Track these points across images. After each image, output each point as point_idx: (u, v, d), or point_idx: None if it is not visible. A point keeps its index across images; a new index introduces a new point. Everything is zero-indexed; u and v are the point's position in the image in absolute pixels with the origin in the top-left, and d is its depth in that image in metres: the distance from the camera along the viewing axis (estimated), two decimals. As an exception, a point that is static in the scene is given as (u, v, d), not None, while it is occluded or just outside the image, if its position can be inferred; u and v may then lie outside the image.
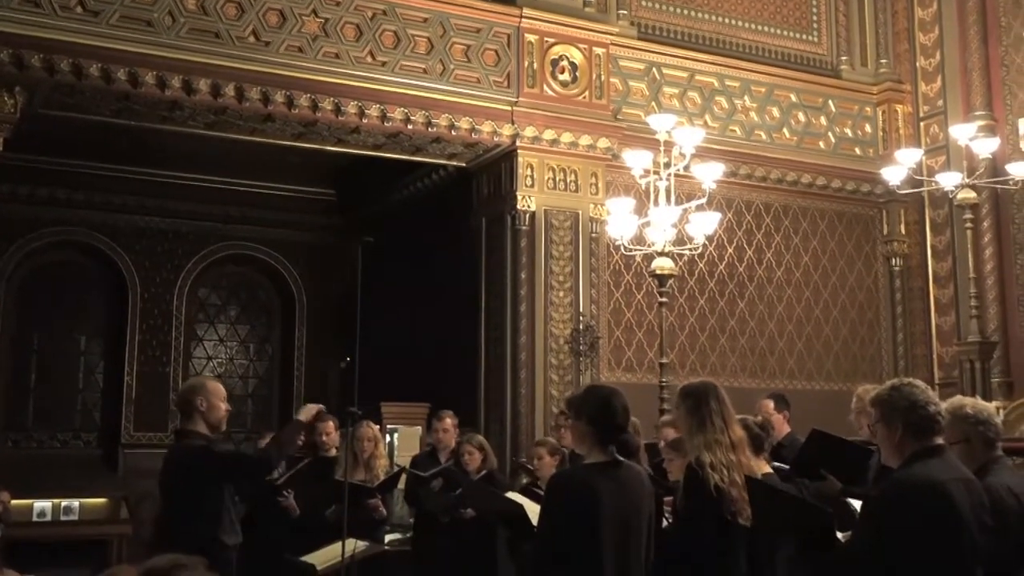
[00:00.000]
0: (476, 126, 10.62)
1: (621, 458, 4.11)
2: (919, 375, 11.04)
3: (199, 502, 5.11)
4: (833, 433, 5.72)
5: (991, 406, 4.44)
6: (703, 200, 8.97)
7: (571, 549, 3.95)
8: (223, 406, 5.34)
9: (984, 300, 11.48)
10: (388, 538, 8.23)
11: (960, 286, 11.87)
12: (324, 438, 7.64)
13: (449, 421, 7.65)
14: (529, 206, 10.82)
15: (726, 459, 4.31)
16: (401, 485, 7.85)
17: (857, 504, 4.76)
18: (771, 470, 4.87)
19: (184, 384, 5.91)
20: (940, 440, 3.50)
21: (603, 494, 3.95)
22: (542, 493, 5.68)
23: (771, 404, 7.29)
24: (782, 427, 7.05)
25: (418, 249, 12.97)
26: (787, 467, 5.30)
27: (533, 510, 4.82)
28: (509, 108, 10.75)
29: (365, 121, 10.20)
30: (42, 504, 12.36)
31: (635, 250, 9.54)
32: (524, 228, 10.82)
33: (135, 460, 13.36)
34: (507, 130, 10.74)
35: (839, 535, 3.49)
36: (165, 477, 5.30)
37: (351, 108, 10.10)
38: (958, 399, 3.96)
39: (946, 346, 12.17)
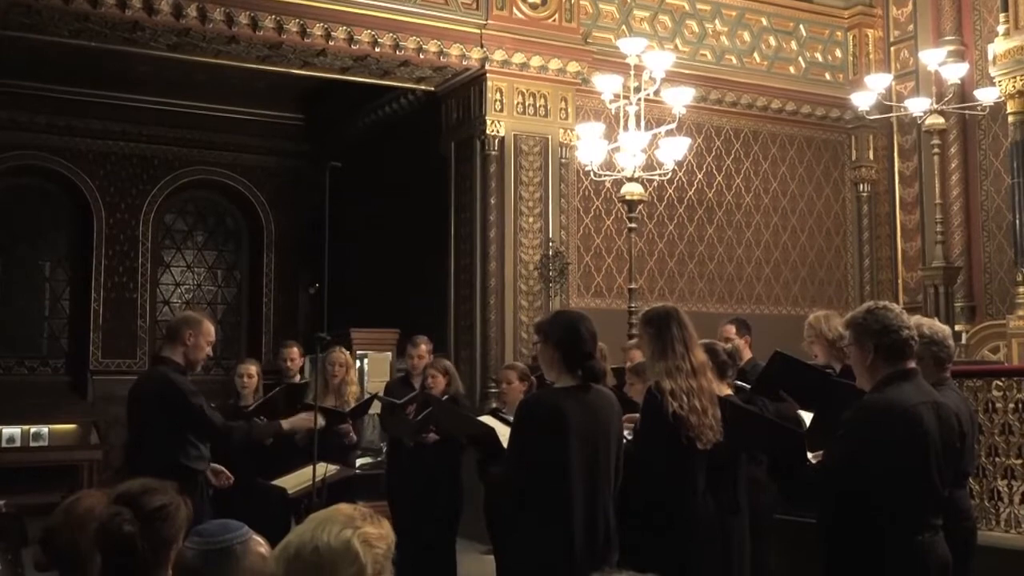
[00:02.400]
0: (444, 49, 10.46)
1: (590, 382, 4.11)
2: (884, 300, 11.13)
3: (164, 429, 5.10)
4: (795, 356, 5.78)
5: (947, 329, 4.49)
6: (673, 125, 8.90)
7: (541, 471, 3.97)
8: (207, 349, 5.35)
9: (949, 226, 11.55)
10: (359, 462, 8.26)
11: (926, 212, 11.94)
12: (288, 363, 7.64)
13: (424, 347, 7.62)
14: (498, 131, 10.72)
15: (686, 385, 4.33)
16: (375, 410, 7.84)
17: (807, 415, 4.81)
18: (732, 393, 4.90)
19: (181, 313, 5.92)
20: (913, 364, 3.51)
21: (572, 417, 3.96)
22: (510, 418, 5.69)
23: (732, 328, 7.32)
24: (744, 351, 7.09)
25: (387, 174, 12.86)
26: (747, 386, 5.33)
27: (503, 433, 4.83)
28: (478, 31, 10.58)
29: (331, 44, 10.02)
30: (11, 430, 12.33)
31: (605, 176, 9.49)
32: (493, 153, 10.72)
33: (104, 386, 13.32)
34: (476, 53, 10.58)
35: (809, 456, 3.51)
36: (134, 402, 5.27)
37: (317, 30, 9.90)
38: (916, 318, 3.99)
39: (911, 271, 12.27)
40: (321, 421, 6.02)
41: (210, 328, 5.38)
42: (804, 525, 4.14)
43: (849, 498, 3.36)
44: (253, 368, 7.33)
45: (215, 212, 15.35)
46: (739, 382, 5.33)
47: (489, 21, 10.62)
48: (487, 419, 5.78)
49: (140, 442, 5.27)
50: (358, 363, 10.79)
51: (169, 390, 5.16)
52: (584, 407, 4.02)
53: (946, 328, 4.47)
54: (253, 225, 15.24)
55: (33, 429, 12.40)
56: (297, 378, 7.66)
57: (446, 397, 6.96)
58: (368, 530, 1.96)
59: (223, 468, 5.91)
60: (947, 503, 3.50)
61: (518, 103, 10.85)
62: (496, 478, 5.09)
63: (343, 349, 7.67)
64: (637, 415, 4.67)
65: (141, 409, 5.25)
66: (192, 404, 5.19)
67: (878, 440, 3.32)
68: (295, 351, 7.74)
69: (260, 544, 2.31)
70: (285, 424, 5.96)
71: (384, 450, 8.79)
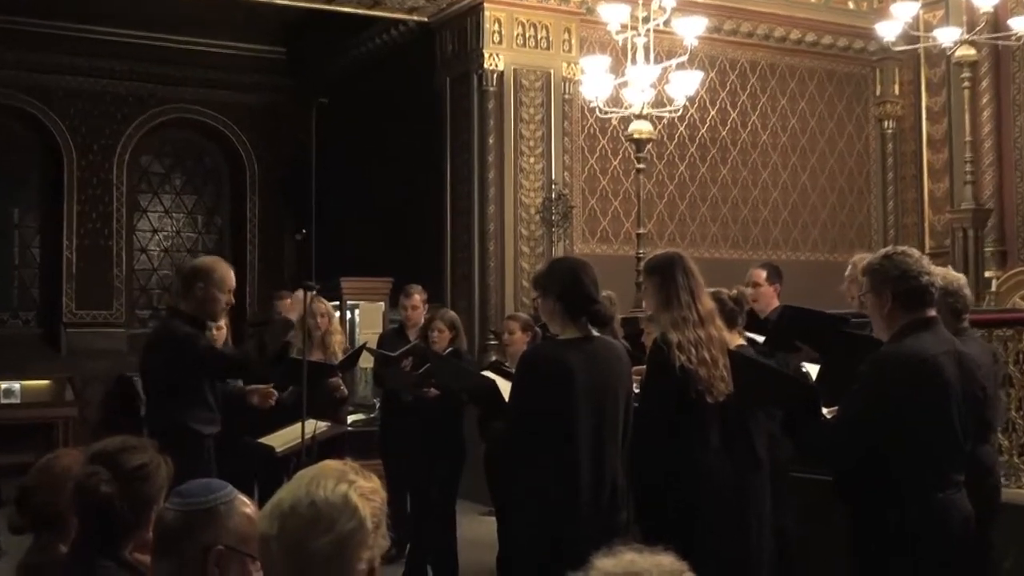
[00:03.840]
0: (439, -24, 10.38)
1: (595, 332, 4.14)
2: (909, 244, 11.14)
3: (173, 389, 5.11)
4: (803, 306, 5.84)
5: (962, 278, 4.53)
6: (684, 58, 8.85)
7: (544, 426, 4.01)
8: (223, 298, 5.28)
9: (980, 165, 11.51)
10: (351, 419, 8.32)
11: (955, 150, 11.87)
12: (282, 315, 7.62)
13: (418, 297, 7.63)
14: (497, 65, 10.66)
15: (694, 336, 4.35)
16: (367, 364, 7.88)
17: (812, 368, 4.85)
18: (744, 343, 4.92)
19: (193, 260, 5.83)
20: (932, 312, 3.53)
21: (576, 369, 4.00)
22: (512, 371, 5.72)
23: (763, 274, 7.23)
24: (771, 300, 7.03)
25: (377, 112, 12.79)
26: (759, 339, 5.37)
27: (505, 387, 4.86)
28: (475, -44, 10.49)
29: (317, -30, 9.94)
30: (-19, 386, 12.37)
31: (611, 113, 9.45)
32: (491, 89, 10.67)
33: (79, 340, 13.36)
34: (473, -19, 10.51)
35: (824, 411, 3.54)
36: (143, 358, 5.31)
37: (301, -44, 9.83)
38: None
39: (938, 214, 12.25)
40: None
41: (225, 274, 5.30)
42: (821, 483, 4.19)
43: (866, 454, 3.40)
44: (222, 321, 7.30)
45: (194, 153, 15.30)
46: (752, 335, 5.34)
47: (486, -55, 10.52)
48: (488, 374, 5.82)
49: (148, 401, 5.31)
50: (348, 313, 10.84)
51: (171, 340, 5.15)
52: (590, 359, 4.05)
53: (961, 277, 4.51)
54: (234, 167, 15.19)
55: (4, 385, 12.44)
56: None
57: (449, 352, 6.99)
58: (362, 483, 1.99)
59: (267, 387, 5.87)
60: (970, 458, 3.54)
61: (518, 35, 10.78)
62: (497, 435, 5.14)
63: (322, 299, 7.69)
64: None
65: (147, 367, 5.29)
66: (198, 345, 5.15)
67: (896, 392, 3.35)
68: (287, 303, 7.72)
69: (246, 504, 2.34)
70: (290, 312, 5.84)
71: (377, 406, 8.84)
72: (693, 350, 4.31)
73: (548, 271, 4.31)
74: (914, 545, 3.37)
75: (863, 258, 5.53)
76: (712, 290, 4.76)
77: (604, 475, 4.04)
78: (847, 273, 5.71)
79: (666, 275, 4.48)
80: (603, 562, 1.67)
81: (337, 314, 9.68)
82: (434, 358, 6.57)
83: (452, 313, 7.49)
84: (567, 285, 4.11)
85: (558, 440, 3.98)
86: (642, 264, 4.75)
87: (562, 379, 3.98)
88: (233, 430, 6.59)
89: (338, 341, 7.41)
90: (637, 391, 4.72)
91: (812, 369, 5.06)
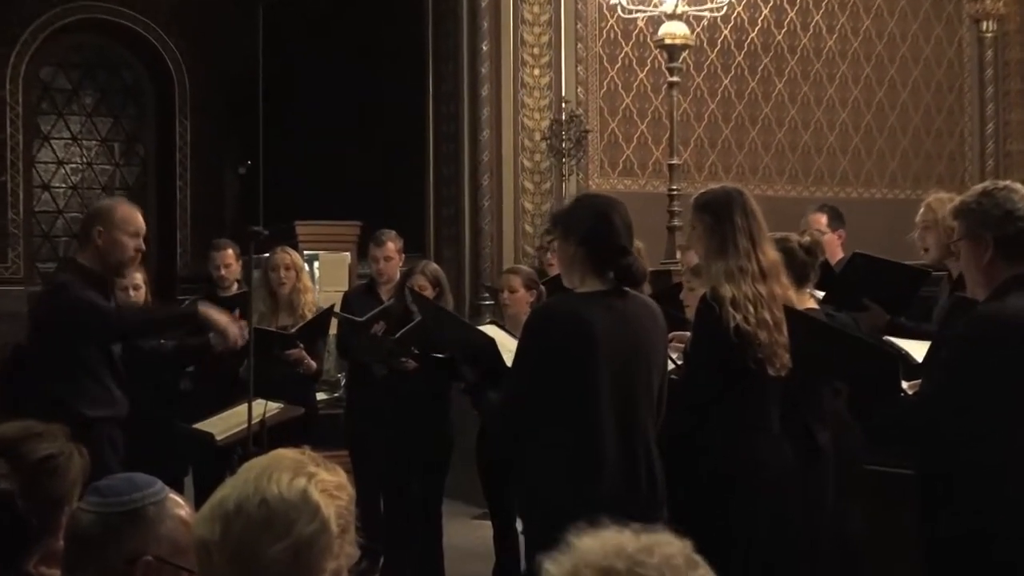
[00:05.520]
0: None
1: (625, 287, 4.15)
2: (1014, 178, 11.11)
3: (54, 360, 5.14)
4: (879, 256, 5.85)
5: None
6: (730, -59, 8.80)
7: (556, 399, 4.03)
8: (131, 244, 5.30)
9: (1103, 77, 11.49)
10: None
11: (1073, 58, 11.85)
12: (222, 271, 7.61)
13: (392, 246, 7.62)
14: (492, -49, 10.61)
15: (752, 292, 4.34)
16: (331, 330, 7.88)
17: (909, 347, 4.85)
18: (816, 306, 4.93)
19: (93, 205, 5.86)
20: (1043, 263, 3.53)
21: (600, 330, 4.01)
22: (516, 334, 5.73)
23: (823, 218, 7.27)
24: (835, 250, 7.07)
25: (341, 13, 12.73)
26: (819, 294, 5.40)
27: (508, 348, 4.88)
28: None
29: None
30: None
31: (637, 12, 9.41)
32: (486, -18, 10.64)
33: (-34, 300, 13.38)
34: None
35: (904, 385, 3.56)
36: (30, 329, 5.34)
37: None
38: None
39: (1050, 139, 12.24)
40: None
41: (129, 215, 5.33)
42: (894, 477, 4.22)
43: (953, 441, 3.41)
44: (139, 276, 7.25)
45: (108, 64, 15.24)
46: (817, 291, 5.36)
47: None
48: (487, 329, 5.84)
49: (26, 374, 5.34)
50: (306, 267, 10.82)
51: (56, 300, 5.19)
52: (617, 317, 4.07)
53: None
54: (160, 83, 15.13)
55: None
56: (234, 288, 7.66)
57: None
58: (325, 477, 1.99)
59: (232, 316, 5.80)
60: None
61: (519, -88, 10.72)
62: (497, 408, 5.11)
63: (288, 249, 7.68)
64: (687, 333, 4.71)
65: (31, 333, 5.31)
66: (79, 300, 5.17)
67: (995, 365, 3.35)
68: (230, 253, 7.67)
69: (179, 504, 2.35)
70: (202, 308, 5.83)
71: (343, 383, 8.85)
72: (751, 308, 4.30)
73: (572, 208, 4.34)
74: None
75: (943, 198, 5.56)
76: (779, 236, 4.75)
77: (636, 464, 4.06)
78: (919, 218, 5.72)
79: (721, 215, 4.47)
80: (584, 545, 1.59)
81: (307, 267, 9.72)
82: (421, 303, 6.55)
83: (435, 266, 7.49)
84: (594, 228, 4.12)
85: (575, 419, 4.00)
86: (691, 201, 4.74)
87: (582, 340, 3.99)
88: (160, 411, 6.63)
89: (310, 302, 7.42)
90: (678, 362, 4.73)
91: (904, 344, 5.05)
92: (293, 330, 7.07)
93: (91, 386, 5.24)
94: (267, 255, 7.56)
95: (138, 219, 5.37)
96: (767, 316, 4.30)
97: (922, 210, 5.76)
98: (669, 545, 1.58)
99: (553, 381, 4.03)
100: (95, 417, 5.18)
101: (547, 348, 4.06)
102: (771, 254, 4.49)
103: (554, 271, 7.96)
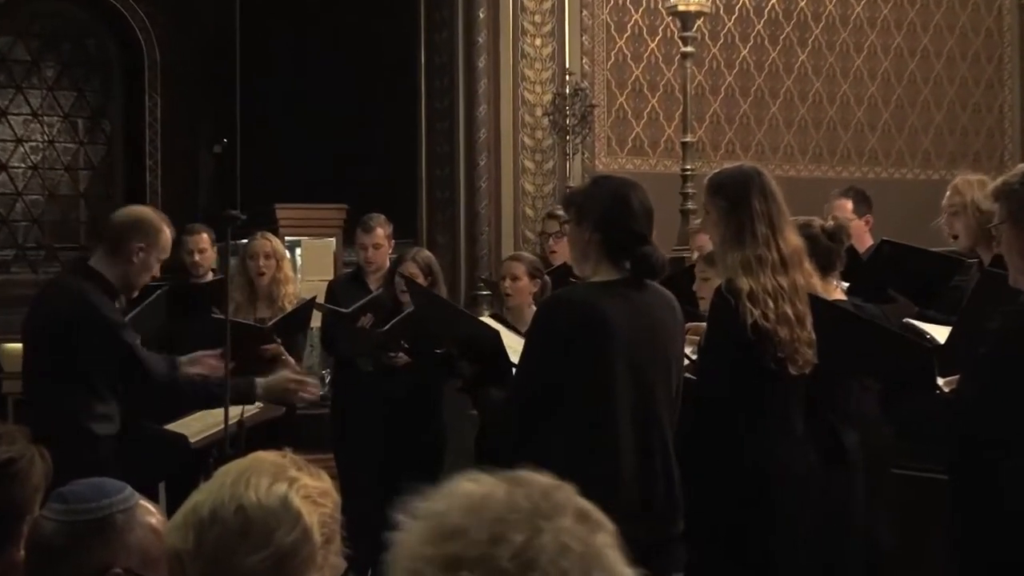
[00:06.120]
0: None
1: (643, 278, 4.16)
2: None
3: (67, 374, 5.17)
4: (908, 243, 5.85)
5: None
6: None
7: (567, 399, 4.03)
8: (156, 269, 5.39)
9: None
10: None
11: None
12: (196, 258, 7.63)
13: (380, 231, 7.63)
14: (489, -91, 10.61)
15: (772, 284, 4.33)
16: (315, 323, 7.89)
17: (933, 330, 4.86)
18: (843, 297, 4.93)
19: (128, 210, 5.79)
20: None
21: (617, 323, 4.01)
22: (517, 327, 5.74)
23: (848, 204, 7.25)
24: (863, 237, 7.06)
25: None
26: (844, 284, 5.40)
27: (513, 346, 4.88)
28: None
29: None
30: None
31: (647, -24, 9.41)
32: (482, -57, 10.63)
33: (-82, 292, 13.37)
34: None
35: (940, 382, 3.56)
36: (36, 330, 5.34)
37: None
38: None
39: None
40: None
41: (168, 242, 5.37)
42: (926, 482, 4.22)
43: (992, 444, 3.41)
44: (205, 237, 7.38)
45: (71, 34, 15.21)
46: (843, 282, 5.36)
47: None
48: (486, 319, 5.85)
49: (30, 385, 5.37)
50: (287, 254, 10.83)
51: (88, 319, 5.18)
52: (633, 309, 4.08)
53: None
54: (129, 54, 15.11)
55: None
56: (209, 277, 7.68)
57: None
58: (308, 482, 1.99)
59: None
60: None
61: None
62: (498, 408, 5.12)
63: (268, 234, 7.68)
64: (703, 324, 4.71)
65: (42, 341, 5.32)
66: (121, 341, 5.21)
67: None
68: (204, 238, 7.70)
69: (150, 512, 2.35)
70: (261, 384, 5.86)
71: (327, 380, 8.86)
72: (771, 302, 4.29)
73: (587, 190, 4.34)
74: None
75: (971, 180, 5.56)
76: (801, 220, 4.74)
77: (653, 468, 4.07)
78: (946, 202, 5.69)
79: (737, 198, 4.46)
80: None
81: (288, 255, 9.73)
82: (415, 291, 6.54)
83: (427, 253, 7.50)
84: (611, 212, 4.12)
85: (589, 419, 4.01)
86: (705, 182, 4.74)
87: (597, 334, 4.00)
88: (129, 411, 6.63)
89: (290, 293, 7.42)
90: (692, 357, 4.74)
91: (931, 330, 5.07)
92: (270, 323, 7.08)
93: (101, 401, 5.28)
94: (245, 241, 7.56)
95: (170, 246, 5.42)
96: (788, 310, 4.30)
97: (948, 193, 5.73)
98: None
99: (565, 378, 4.03)
100: (101, 435, 5.23)
101: (559, 342, 4.06)
102: (793, 240, 4.47)
103: (557, 259, 7.98)
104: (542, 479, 1.49)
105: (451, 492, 1.48)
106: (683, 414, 4.29)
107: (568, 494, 1.47)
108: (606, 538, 1.46)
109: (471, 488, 1.48)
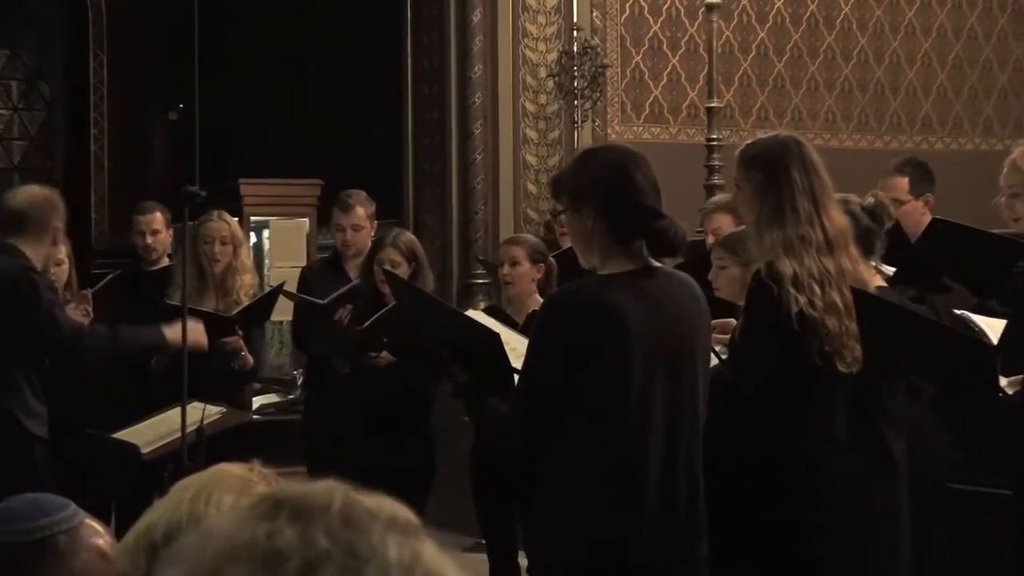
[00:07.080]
0: None
1: (656, 263, 4.15)
2: None
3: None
4: (965, 224, 5.84)
5: None
6: None
7: (579, 406, 4.03)
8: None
9: None
10: (259, 401, 8.35)
11: None
12: (148, 240, 7.67)
13: (361, 211, 7.64)
14: None
15: (818, 268, 4.34)
16: (283, 316, 7.90)
17: (985, 323, 4.87)
18: (884, 283, 4.93)
19: (37, 190, 5.96)
20: None
21: (633, 319, 4.00)
22: (517, 320, 5.74)
23: (904, 181, 7.18)
24: (920, 218, 7.01)
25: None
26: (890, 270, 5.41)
27: (514, 348, 4.88)
28: None
29: None
30: None
31: (667, -84, 9.41)
32: None
33: None
34: None
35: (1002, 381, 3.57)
36: None
37: None
38: None
39: None
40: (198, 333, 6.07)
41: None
42: (981, 496, 4.23)
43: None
44: (63, 249, 7.35)
45: (6, -15, 15.24)
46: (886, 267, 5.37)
47: None
48: (481, 316, 5.84)
49: None
50: (254, 237, 10.85)
51: (17, 289, 5.39)
52: (654, 305, 4.07)
53: None
54: (70, 8, 15.12)
55: None
56: (164, 262, 7.71)
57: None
58: None
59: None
60: None
61: None
62: (498, 419, 5.13)
63: (225, 215, 7.69)
64: (732, 320, 4.71)
65: None
66: (46, 309, 5.42)
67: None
68: (158, 218, 7.75)
69: (97, 533, 2.35)
70: (167, 332, 5.98)
71: (299, 382, 8.88)
72: (817, 289, 4.30)
73: (577, 169, 4.31)
74: None
75: None
76: (838, 197, 4.74)
77: (677, 479, 4.07)
78: (1004, 180, 5.65)
79: (775, 171, 4.47)
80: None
81: (252, 237, 9.73)
82: (398, 286, 6.55)
83: (409, 235, 7.51)
84: (613, 190, 4.09)
85: (599, 425, 4.00)
86: (737, 153, 4.74)
87: (613, 340, 3.98)
88: (72, 416, 6.65)
89: (246, 284, 7.44)
90: (722, 356, 4.74)
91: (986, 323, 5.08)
92: (235, 312, 7.10)
93: (34, 397, 5.35)
94: (197, 222, 7.57)
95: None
96: (836, 298, 4.31)
97: (1006, 170, 5.69)
98: None
99: (576, 384, 4.02)
100: (37, 435, 5.29)
101: (568, 345, 4.04)
102: (838, 219, 4.49)
103: (567, 241, 7.99)
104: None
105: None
106: (712, 417, 4.28)
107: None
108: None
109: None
